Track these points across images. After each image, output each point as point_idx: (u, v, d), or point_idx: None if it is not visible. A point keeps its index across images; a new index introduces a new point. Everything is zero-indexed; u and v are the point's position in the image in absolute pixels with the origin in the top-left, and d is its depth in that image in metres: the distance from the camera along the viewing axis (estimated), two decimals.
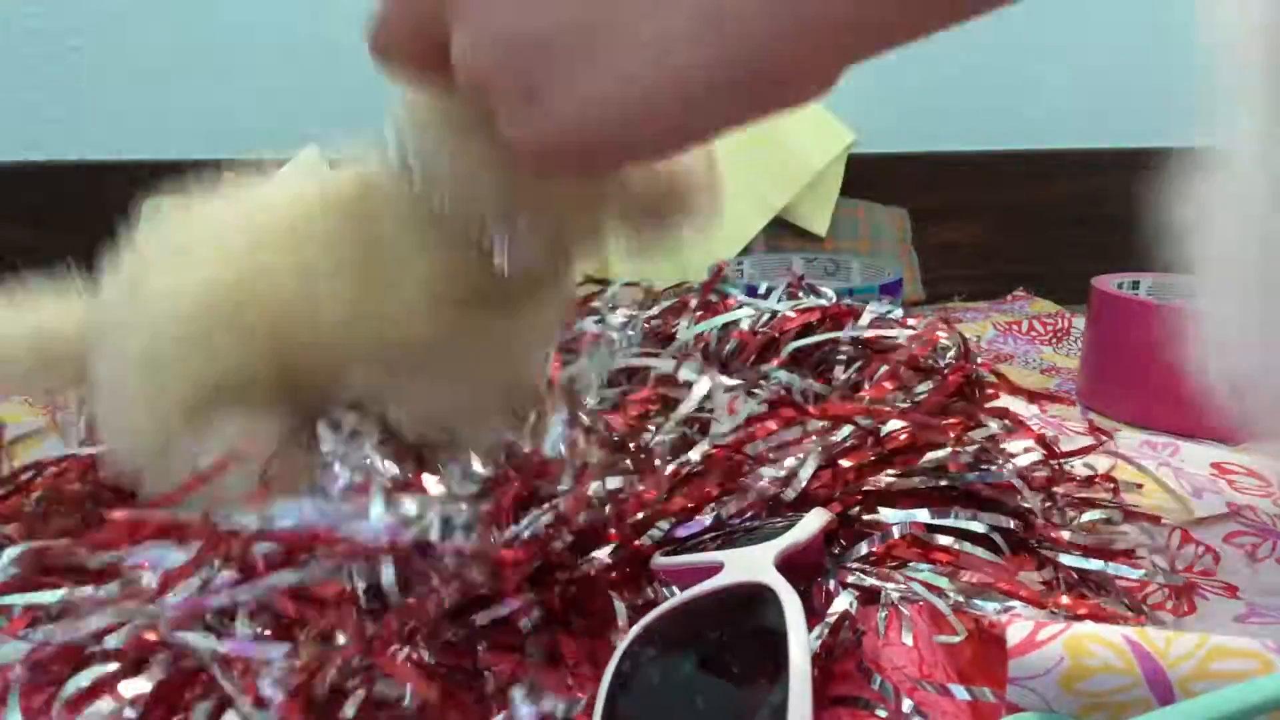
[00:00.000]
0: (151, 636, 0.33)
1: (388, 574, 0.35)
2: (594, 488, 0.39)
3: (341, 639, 0.33)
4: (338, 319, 0.40)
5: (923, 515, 0.40)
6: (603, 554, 0.38)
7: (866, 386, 0.51)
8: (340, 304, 0.40)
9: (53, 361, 0.44)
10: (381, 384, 0.41)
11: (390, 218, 0.40)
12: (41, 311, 0.44)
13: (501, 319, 0.42)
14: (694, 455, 0.42)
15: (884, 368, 0.52)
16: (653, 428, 0.47)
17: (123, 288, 0.42)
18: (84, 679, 0.32)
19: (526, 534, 0.37)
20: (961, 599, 0.37)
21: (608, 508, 0.39)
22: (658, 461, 0.43)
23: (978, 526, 0.39)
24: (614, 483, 0.40)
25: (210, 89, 0.98)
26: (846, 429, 0.44)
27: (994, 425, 0.46)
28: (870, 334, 0.55)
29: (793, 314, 0.57)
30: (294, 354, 0.40)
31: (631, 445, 0.45)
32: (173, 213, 0.43)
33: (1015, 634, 0.29)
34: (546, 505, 0.38)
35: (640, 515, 0.39)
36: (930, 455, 0.43)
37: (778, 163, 0.96)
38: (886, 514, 0.40)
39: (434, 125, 0.38)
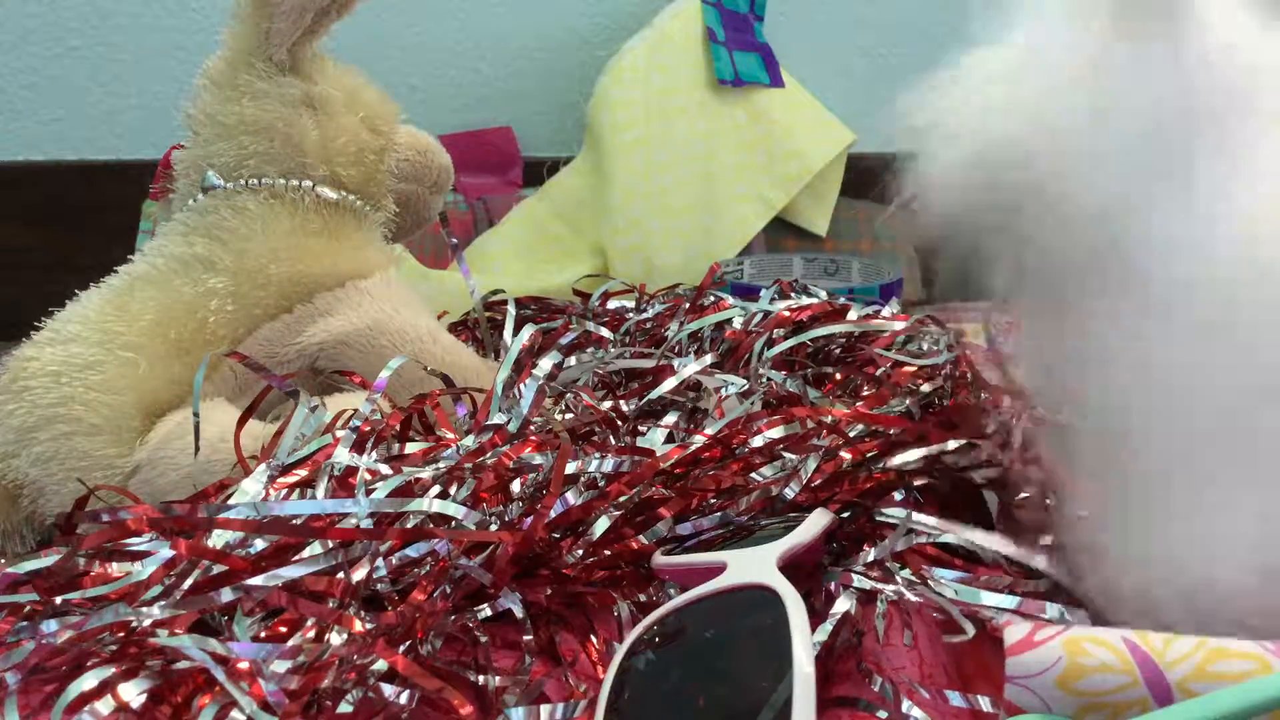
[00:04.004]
0: (149, 639, 0.33)
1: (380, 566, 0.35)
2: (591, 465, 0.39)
3: (338, 637, 0.33)
4: None
5: (926, 518, 0.40)
6: (598, 528, 0.38)
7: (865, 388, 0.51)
8: None
9: None
10: None
11: None
12: None
13: None
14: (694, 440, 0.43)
15: (883, 368, 0.52)
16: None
17: None
18: (82, 683, 0.31)
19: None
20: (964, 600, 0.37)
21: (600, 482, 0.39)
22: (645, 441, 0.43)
23: (980, 538, 0.39)
24: (608, 465, 0.40)
25: None
26: (852, 429, 0.44)
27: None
28: (864, 328, 0.55)
29: (787, 313, 0.57)
30: None
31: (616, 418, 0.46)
32: None
33: (1013, 634, 0.29)
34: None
35: (632, 492, 0.39)
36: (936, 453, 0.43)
37: (778, 163, 0.96)
38: (890, 514, 0.40)
39: None
